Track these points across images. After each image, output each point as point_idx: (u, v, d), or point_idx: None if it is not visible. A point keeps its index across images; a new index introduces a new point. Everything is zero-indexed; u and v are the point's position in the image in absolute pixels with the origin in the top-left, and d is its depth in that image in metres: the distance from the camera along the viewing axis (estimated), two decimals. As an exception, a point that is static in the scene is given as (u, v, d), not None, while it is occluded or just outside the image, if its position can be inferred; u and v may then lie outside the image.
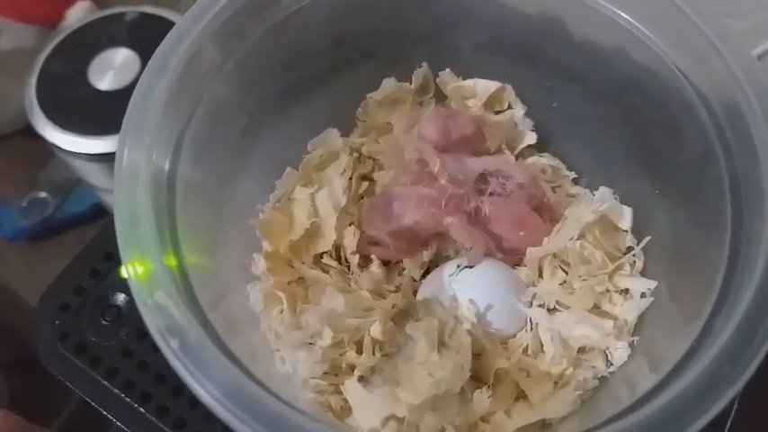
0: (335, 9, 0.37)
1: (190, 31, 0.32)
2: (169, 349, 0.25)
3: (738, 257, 0.27)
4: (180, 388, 0.36)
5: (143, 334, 0.38)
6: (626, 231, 0.36)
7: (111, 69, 0.51)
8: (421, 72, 0.40)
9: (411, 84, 0.41)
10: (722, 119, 0.30)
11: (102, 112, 0.49)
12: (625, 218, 0.37)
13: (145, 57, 0.50)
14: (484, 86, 0.40)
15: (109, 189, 0.52)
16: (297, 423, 0.24)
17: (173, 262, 0.29)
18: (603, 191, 0.38)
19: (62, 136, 0.48)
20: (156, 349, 0.36)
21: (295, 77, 0.38)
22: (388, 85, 0.40)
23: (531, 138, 0.40)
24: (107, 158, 0.48)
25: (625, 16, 0.33)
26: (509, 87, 0.40)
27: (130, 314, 0.38)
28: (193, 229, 0.31)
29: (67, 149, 0.49)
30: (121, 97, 0.47)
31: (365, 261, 0.38)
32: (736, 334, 0.24)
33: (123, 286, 0.39)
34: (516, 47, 0.38)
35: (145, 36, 0.52)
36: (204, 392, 0.24)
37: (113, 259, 0.40)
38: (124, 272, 0.39)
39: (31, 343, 0.51)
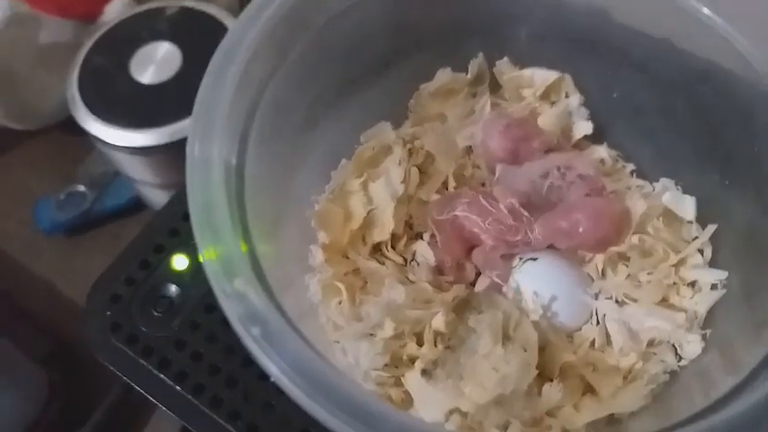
0: (389, 2, 0.36)
1: (252, 26, 0.32)
2: (250, 337, 0.24)
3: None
4: (234, 380, 0.36)
5: (196, 325, 0.37)
6: (690, 222, 0.36)
7: (152, 63, 0.51)
8: (476, 62, 0.40)
9: (467, 74, 0.40)
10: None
11: (144, 106, 0.49)
12: (688, 208, 0.36)
13: (186, 50, 0.50)
14: (542, 76, 0.39)
15: (148, 182, 0.52)
16: (382, 412, 0.23)
17: (245, 248, 0.29)
18: (664, 182, 0.37)
19: (105, 129, 0.48)
20: (210, 340, 0.37)
21: (352, 70, 0.37)
22: (443, 75, 0.40)
23: (587, 127, 0.39)
24: (148, 152, 0.48)
25: (693, 4, 0.33)
26: (568, 77, 0.39)
27: (182, 305, 0.38)
28: (260, 218, 0.31)
29: (110, 142, 0.48)
30: (163, 91, 0.48)
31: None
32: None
33: (175, 278, 0.39)
34: (575, 35, 0.37)
35: (185, 30, 0.52)
36: (288, 381, 0.24)
37: (163, 251, 0.40)
38: (177, 263, 0.40)
39: (67, 336, 0.51)
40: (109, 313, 0.38)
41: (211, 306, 0.37)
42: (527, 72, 0.40)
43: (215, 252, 0.27)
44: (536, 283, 0.34)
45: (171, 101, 0.48)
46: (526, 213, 0.34)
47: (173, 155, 0.46)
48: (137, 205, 0.57)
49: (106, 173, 0.56)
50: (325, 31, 0.35)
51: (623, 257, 0.35)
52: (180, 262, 0.39)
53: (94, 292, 0.39)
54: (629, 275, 0.34)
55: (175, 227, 0.40)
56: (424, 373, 0.32)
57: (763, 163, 0.31)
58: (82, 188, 0.56)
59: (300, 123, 0.36)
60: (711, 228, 0.35)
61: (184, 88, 0.47)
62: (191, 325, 0.37)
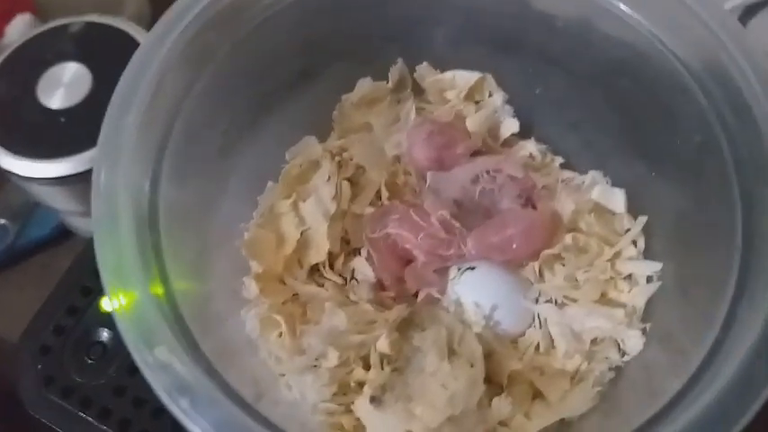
0: (301, 15, 0.35)
1: (156, 52, 0.30)
2: (179, 409, 0.23)
3: (754, 238, 0.27)
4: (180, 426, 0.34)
5: (134, 369, 0.36)
6: (621, 215, 0.36)
7: (60, 86, 0.47)
8: (397, 69, 0.39)
9: (388, 82, 0.39)
10: (719, 97, 0.29)
11: (56, 133, 0.46)
12: (618, 200, 0.36)
13: (95, 69, 0.47)
14: (464, 78, 0.39)
15: (70, 211, 0.50)
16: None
17: (161, 290, 0.28)
18: (593, 174, 0.37)
19: (15, 161, 0.45)
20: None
21: (266, 88, 0.36)
22: (364, 85, 0.39)
23: (514, 125, 0.39)
24: (65, 181, 0.45)
25: (607, -3, 0.32)
26: (489, 77, 0.39)
27: (117, 350, 0.37)
28: (181, 254, 0.30)
29: (23, 175, 0.46)
30: (75, 115, 0.45)
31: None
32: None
33: (106, 321, 0.37)
34: (494, 35, 0.37)
35: (93, 47, 0.49)
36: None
37: (91, 293, 0.38)
38: (107, 306, 0.38)
39: (6, 382, 0.48)
40: (40, 366, 0.36)
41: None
42: (448, 75, 0.39)
43: (126, 299, 0.25)
44: (476, 293, 0.33)
45: (84, 125, 0.45)
46: (458, 225, 0.34)
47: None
48: (63, 233, 0.54)
49: (27, 203, 0.54)
50: (234, 53, 0.33)
51: (559, 258, 0.35)
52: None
53: (23, 344, 0.37)
54: (566, 276, 0.34)
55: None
56: (373, 399, 0.32)
57: (686, 153, 0.31)
58: (3, 221, 0.53)
59: (219, 146, 0.35)
60: (642, 219, 0.35)
61: (97, 110, 0.45)
62: (128, 369, 0.36)
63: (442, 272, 0.35)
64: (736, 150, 0.29)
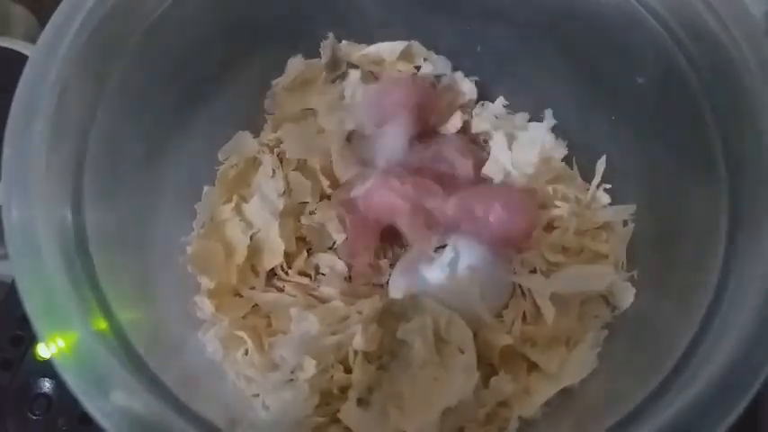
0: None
1: (50, 59, 0.26)
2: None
3: (740, 164, 0.25)
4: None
5: (87, 419, 0.32)
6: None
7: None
8: (328, 44, 0.36)
9: (321, 59, 0.36)
10: (675, 27, 0.27)
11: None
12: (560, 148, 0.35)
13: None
14: (388, 49, 0.36)
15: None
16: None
17: (104, 325, 0.24)
18: (536, 127, 0.35)
19: None
20: None
21: (186, 84, 0.32)
22: (295, 64, 0.35)
23: (471, 91, 0.37)
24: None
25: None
26: (416, 43, 0.36)
27: (64, 400, 0.33)
28: (119, 282, 0.26)
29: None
30: None
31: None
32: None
33: (46, 370, 0.33)
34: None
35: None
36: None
37: (23, 342, 0.34)
38: (44, 352, 0.34)
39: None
40: (-22, 432, 0.32)
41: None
42: (372, 48, 0.36)
43: (65, 341, 0.22)
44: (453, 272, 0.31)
45: None
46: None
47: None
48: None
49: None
50: (145, 42, 0.30)
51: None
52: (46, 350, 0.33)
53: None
54: (549, 244, 0.32)
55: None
56: (360, 402, 0.29)
57: (648, 93, 0.30)
58: None
59: (143, 154, 0.31)
60: (602, 162, 0.33)
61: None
62: (80, 419, 0.32)
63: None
64: (702, 79, 0.27)
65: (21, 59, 0.44)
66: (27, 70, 0.27)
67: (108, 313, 0.25)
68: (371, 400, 0.29)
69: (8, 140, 0.26)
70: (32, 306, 0.23)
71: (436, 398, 0.28)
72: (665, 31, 0.28)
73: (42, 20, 0.54)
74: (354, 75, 0.36)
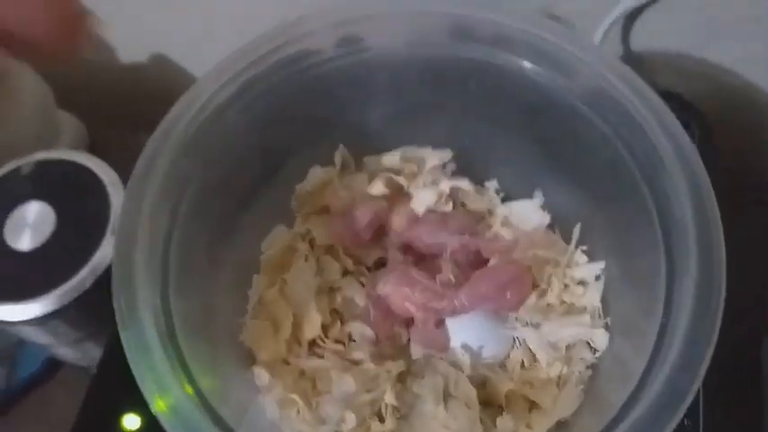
0: (254, 129, 0.39)
1: (143, 189, 0.34)
2: None
3: (668, 220, 0.32)
4: None
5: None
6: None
7: (26, 227, 0.49)
8: (339, 153, 0.44)
9: (335, 166, 0.44)
10: (612, 119, 0.35)
11: (28, 274, 0.47)
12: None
13: (55, 203, 0.48)
14: (389, 159, 0.44)
15: (55, 344, 0.51)
16: None
17: (190, 390, 0.31)
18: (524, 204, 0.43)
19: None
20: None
21: (236, 195, 0.40)
22: (316, 173, 0.43)
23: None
24: (44, 320, 0.46)
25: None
26: (410, 149, 0.44)
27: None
28: (196, 356, 0.32)
29: (4, 320, 0.47)
30: (44, 254, 0.46)
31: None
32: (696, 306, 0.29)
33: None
34: (418, 98, 0.41)
35: (48, 183, 0.51)
36: None
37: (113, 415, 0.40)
38: (130, 422, 0.39)
39: None
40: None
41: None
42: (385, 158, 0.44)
43: (165, 402, 0.28)
44: (463, 334, 0.38)
45: (56, 259, 0.46)
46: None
47: (72, 314, 0.45)
48: (53, 365, 0.55)
49: (9, 344, 0.55)
50: (208, 169, 0.37)
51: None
52: (131, 422, 0.39)
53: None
54: (536, 303, 0.39)
55: (115, 386, 0.39)
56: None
57: (599, 168, 0.37)
58: (-10, 368, 0.54)
59: (207, 255, 0.38)
60: (577, 228, 0.40)
61: (65, 244, 0.47)
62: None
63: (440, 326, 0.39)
64: (634, 153, 0.34)
65: (77, 168, 0.49)
66: (127, 196, 0.34)
67: (192, 381, 0.31)
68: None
69: (117, 249, 0.33)
70: (139, 373, 0.30)
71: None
72: (606, 124, 0.35)
73: (91, 126, 0.60)
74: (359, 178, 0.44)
